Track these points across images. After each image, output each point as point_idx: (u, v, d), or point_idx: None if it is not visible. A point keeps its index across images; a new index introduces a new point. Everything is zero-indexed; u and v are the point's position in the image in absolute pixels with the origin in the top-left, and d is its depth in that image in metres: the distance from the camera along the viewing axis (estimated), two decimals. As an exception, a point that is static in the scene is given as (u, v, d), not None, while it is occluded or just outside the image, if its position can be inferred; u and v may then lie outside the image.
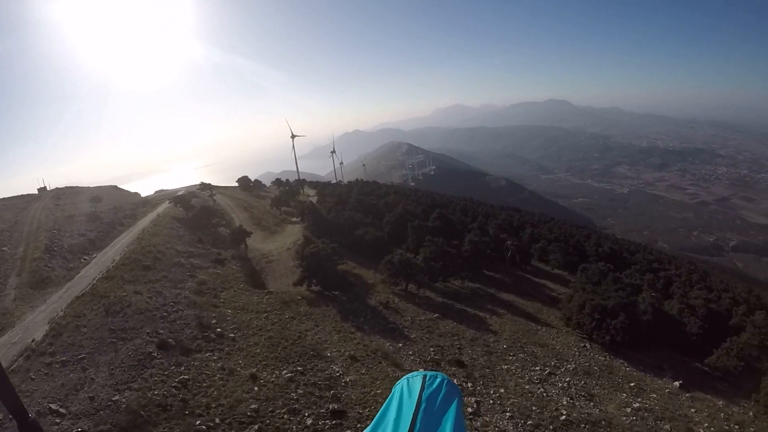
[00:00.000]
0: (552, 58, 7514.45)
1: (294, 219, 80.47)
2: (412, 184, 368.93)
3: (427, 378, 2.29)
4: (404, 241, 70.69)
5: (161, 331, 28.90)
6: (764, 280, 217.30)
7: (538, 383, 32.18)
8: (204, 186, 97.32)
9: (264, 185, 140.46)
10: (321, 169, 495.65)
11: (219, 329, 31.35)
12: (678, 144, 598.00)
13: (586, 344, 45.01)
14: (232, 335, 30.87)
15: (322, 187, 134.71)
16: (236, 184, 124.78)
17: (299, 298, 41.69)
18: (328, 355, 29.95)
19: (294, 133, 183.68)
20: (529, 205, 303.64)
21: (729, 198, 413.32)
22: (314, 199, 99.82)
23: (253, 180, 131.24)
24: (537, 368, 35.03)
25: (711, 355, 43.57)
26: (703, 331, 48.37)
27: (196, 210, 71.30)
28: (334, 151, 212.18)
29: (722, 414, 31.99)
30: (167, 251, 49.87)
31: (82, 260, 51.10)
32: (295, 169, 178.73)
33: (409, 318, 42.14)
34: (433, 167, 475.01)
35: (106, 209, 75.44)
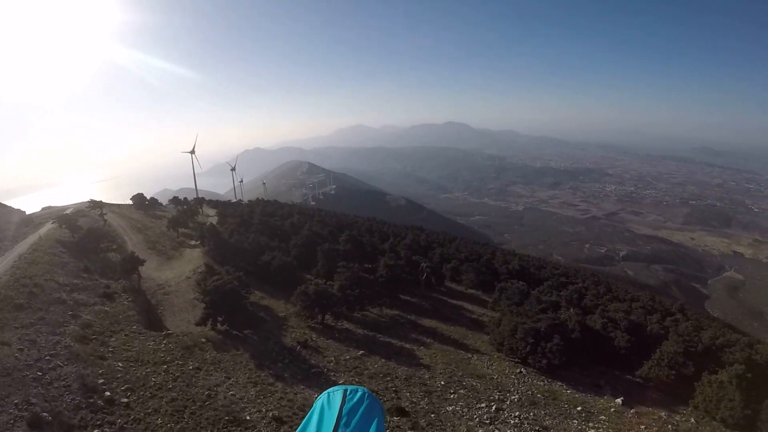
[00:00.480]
0: (451, 81, 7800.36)
1: (193, 242, 73.74)
2: (313, 203, 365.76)
3: (348, 392, 2.33)
4: (314, 266, 66.50)
5: (34, 401, 21.96)
6: (654, 285, 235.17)
7: (489, 423, 29.34)
8: (94, 204, 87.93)
9: (161, 204, 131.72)
10: (220, 187, 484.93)
11: (108, 392, 24.86)
12: (570, 164, 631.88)
13: (522, 369, 42.41)
14: (125, 400, 24.55)
15: (222, 206, 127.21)
16: (131, 202, 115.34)
17: (203, 341, 36.01)
18: (248, 418, 24.81)
19: (194, 149, 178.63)
20: (429, 223, 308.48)
21: (617, 212, 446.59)
22: (214, 220, 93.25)
23: (149, 198, 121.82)
24: (482, 405, 32.11)
25: (641, 366, 43.12)
26: (630, 344, 47.73)
27: (82, 232, 63.43)
28: (234, 168, 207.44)
29: (669, 426, 31.71)
30: (46, 284, 42.38)
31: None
32: (194, 187, 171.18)
33: (332, 358, 37.78)
34: (334, 186, 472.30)
35: None
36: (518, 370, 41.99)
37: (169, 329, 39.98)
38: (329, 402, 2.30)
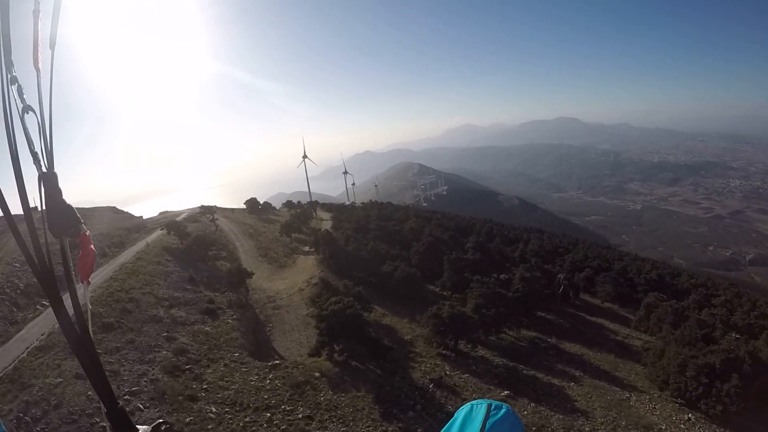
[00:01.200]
0: (561, 76, 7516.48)
1: (307, 248, 68.51)
2: (425, 204, 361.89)
3: (492, 407, 2.19)
4: (438, 275, 59.16)
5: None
6: None
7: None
8: (205, 209, 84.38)
9: (274, 208, 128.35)
10: (332, 190, 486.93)
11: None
12: (689, 158, 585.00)
13: (690, 415, 33.82)
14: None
15: (336, 210, 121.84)
16: (244, 206, 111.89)
17: (317, 375, 28.74)
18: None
19: (306, 154, 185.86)
20: (544, 224, 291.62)
21: (743, 211, 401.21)
22: (329, 224, 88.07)
23: (262, 202, 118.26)
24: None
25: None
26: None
27: (191, 239, 58.90)
28: (346, 172, 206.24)
29: None
30: (143, 298, 37.69)
31: (36, 308, 37.84)
32: (307, 190, 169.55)
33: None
34: (445, 187, 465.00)
35: (93, 235, 62.80)
36: (686, 417, 33.87)
37: (277, 353, 33.82)
38: (471, 415, 2.15)
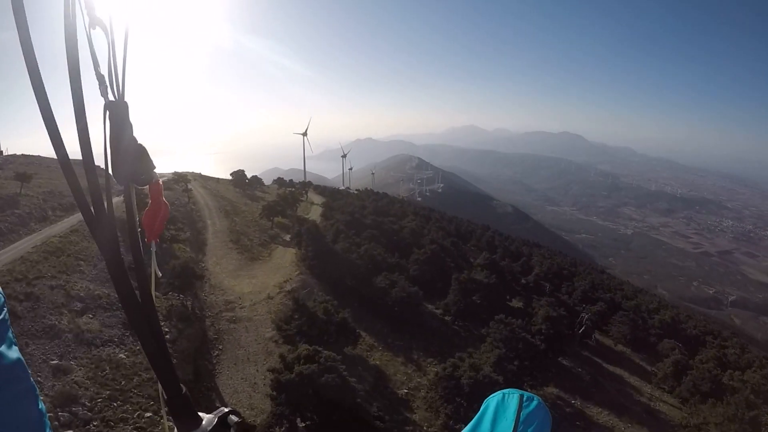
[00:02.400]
0: (571, 91, 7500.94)
1: (288, 237, 58.08)
2: (419, 199, 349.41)
3: (525, 398, 2.10)
4: (439, 292, 49.41)
5: None
6: (761, 340, 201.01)
7: None
8: (179, 176, 72.78)
9: (263, 183, 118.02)
10: (329, 172, 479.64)
11: None
12: (686, 191, 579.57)
13: None
14: None
15: (330, 194, 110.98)
16: (230, 178, 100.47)
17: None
18: None
19: (307, 132, 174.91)
20: (534, 235, 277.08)
21: (732, 252, 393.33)
22: (318, 212, 77.95)
23: (251, 176, 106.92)
24: None
25: None
26: None
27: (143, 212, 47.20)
28: (345, 155, 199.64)
29: None
30: (48, 295, 26.63)
31: None
32: (303, 169, 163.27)
33: None
34: (441, 185, 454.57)
35: (38, 193, 51.20)
36: None
37: (219, 397, 23.42)
38: (503, 404, 2.05)
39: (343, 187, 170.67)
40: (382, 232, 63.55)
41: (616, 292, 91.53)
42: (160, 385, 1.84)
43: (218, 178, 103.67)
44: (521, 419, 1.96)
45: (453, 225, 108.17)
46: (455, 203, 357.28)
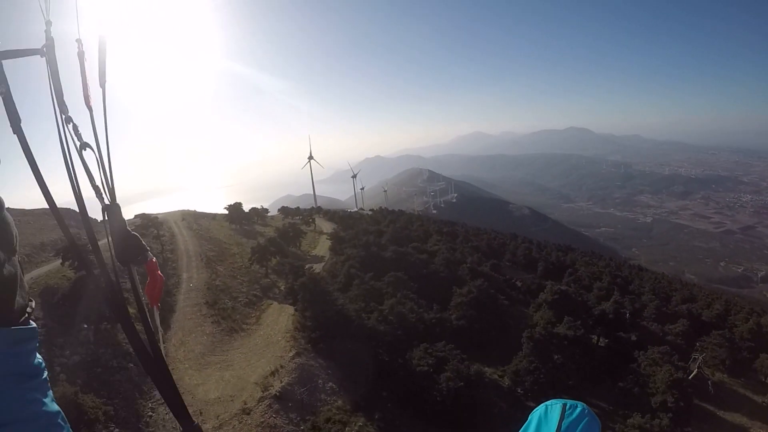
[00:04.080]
0: (572, 85, 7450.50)
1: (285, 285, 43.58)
2: (434, 211, 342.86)
3: (567, 406, 2.11)
4: (496, 346, 35.32)
5: None
6: None
7: None
8: (147, 220, 56.59)
9: (266, 213, 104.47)
10: (341, 194, 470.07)
11: None
12: (700, 171, 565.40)
13: None
14: None
15: (341, 220, 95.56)
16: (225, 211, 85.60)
17: None
18: None
19: (312, 155, 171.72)
20: (553, 235, 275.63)
21: (754, 226, 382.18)
22: (326, 245, 63.79)
23: (267, 204, 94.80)
24: None
25: None
26: None
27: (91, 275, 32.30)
28: (355, 176, 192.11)
29: None
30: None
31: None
32: (318, 193, 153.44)
33: None
34: (455, 195, 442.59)
35: None
36: None
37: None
38: (546, 415, 2.06)
39: (355, 209, 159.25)
40: (408, 266, 48.32)
41: (674, 292, 77.36)
42: (177, 421, 2.09)
43: (215, 215, 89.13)
44: (563, 428, 1.97)
45: (483, 240, 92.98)
46: (471, 212, 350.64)
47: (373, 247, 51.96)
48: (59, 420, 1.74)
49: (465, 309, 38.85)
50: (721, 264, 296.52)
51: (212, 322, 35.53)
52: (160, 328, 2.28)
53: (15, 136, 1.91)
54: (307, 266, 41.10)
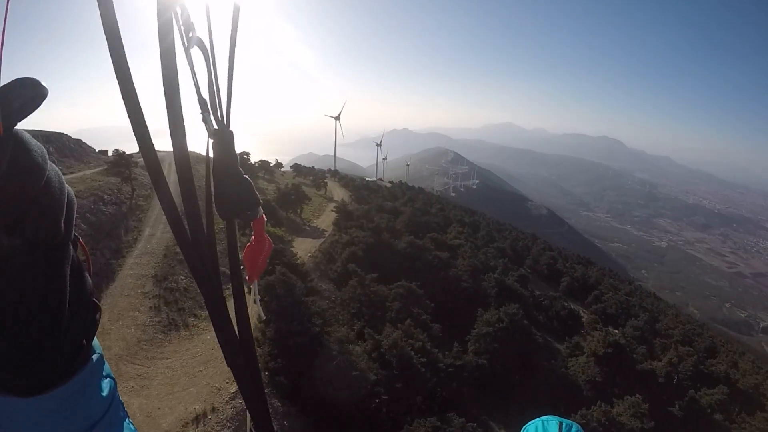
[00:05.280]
0: (613, 94, 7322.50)
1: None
2: (453, 194, 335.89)
3: (564, 425, 2.07)
4: (522, 393, 24.63)
5: None
6: None
7: None
8: (119, 158, 43.71)
9: (279, 167, 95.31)
10: (364, 161, 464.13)
11: None
12: (724, 207, 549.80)
13: None
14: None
15: (356, 189, 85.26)
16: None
17: None
18: None
19: (339, 116, 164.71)
20: (567, 240, 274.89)
21: (767, 275, 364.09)
22: (332, 216, 53.85)
23: (276, 160, 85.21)
24: None
25: None
26: None
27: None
28: (379, 145, 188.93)
29: None
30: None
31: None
32: (340, 155, 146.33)
33: None
34: (477, 181, 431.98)
35: None
36: None
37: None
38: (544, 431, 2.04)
39: (374, 179, 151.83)
40: (424, 267, 37.87)
41: (696, 337, 67.23)
42: (251, 422, 1.68)
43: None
44: None
45: (507, 240, 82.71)
46: (489, 201, 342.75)
47: (384, 233, 41.57)
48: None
49: (488, 342, 29.01)
50: (726, 305, 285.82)
51: (150, 308, 25.68)
52: (260, 311, 1.80)
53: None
54: (290, 252, 31.17)
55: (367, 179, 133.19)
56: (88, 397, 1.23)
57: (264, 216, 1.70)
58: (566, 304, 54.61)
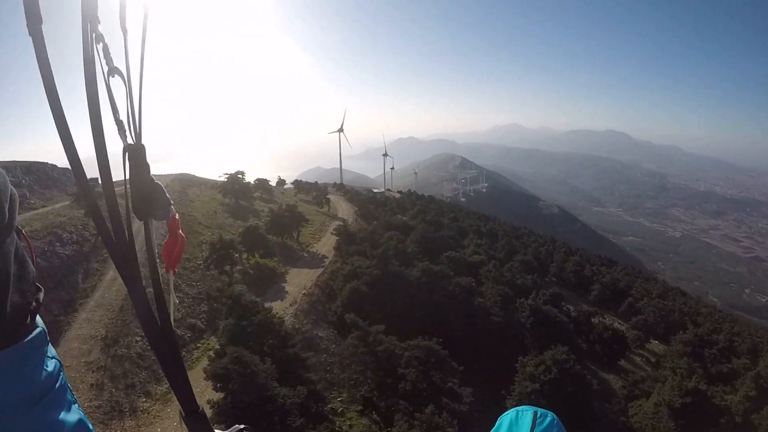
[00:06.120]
0: (615, 87, 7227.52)
1: (239, 288, 27.01)
2: (463, 199, 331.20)
3: (538, 414, 2.07)
4: None
5: None
6: None
7: None
8: (84, 190, 41.62)
9: (284, 183, 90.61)
10: (371, 172, 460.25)
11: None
12: (736, 192, 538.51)
13: None
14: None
15: (361, 203, 78.58)
16: (224, 178, 68.66)
17: None
18: None
19: (343, 127, 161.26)
20: (581, 238, 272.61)
21: None
22: (333, 240, 46.75)
23: (296, 175, 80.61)
24: None
25: None
26: None
27: None
28: (385, 154, 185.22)
29: None
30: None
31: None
32: (347, 167, 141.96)
33: None
34: (486, 184, 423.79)
35: None
36: None
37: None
38: (518, 421, 2.02)
39: (381, 190, 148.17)
40: (445, 299, 30.91)
41: (735, 337, 60.52)
42: (179, 403, 1.87)
43: (216, 181, 72.57)
44: None
45: (529, 249, 75.78)
46: (501, 203, 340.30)
47: (393, 261, 34.38)
48: (81, 430, 1.50)
49: (533, 398, 22.32)
50: (746, 291, 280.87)
51: (92, 385, 19.14)
52: (174, 296, 1.99)
53: (30, 37, 1.45)
54: (265, 308, 24.39)
55: (374, 191, 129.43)
56: (30, 369, 1.36)
57: (177, 215, 1.91)
58: (604, 320, 48.43)
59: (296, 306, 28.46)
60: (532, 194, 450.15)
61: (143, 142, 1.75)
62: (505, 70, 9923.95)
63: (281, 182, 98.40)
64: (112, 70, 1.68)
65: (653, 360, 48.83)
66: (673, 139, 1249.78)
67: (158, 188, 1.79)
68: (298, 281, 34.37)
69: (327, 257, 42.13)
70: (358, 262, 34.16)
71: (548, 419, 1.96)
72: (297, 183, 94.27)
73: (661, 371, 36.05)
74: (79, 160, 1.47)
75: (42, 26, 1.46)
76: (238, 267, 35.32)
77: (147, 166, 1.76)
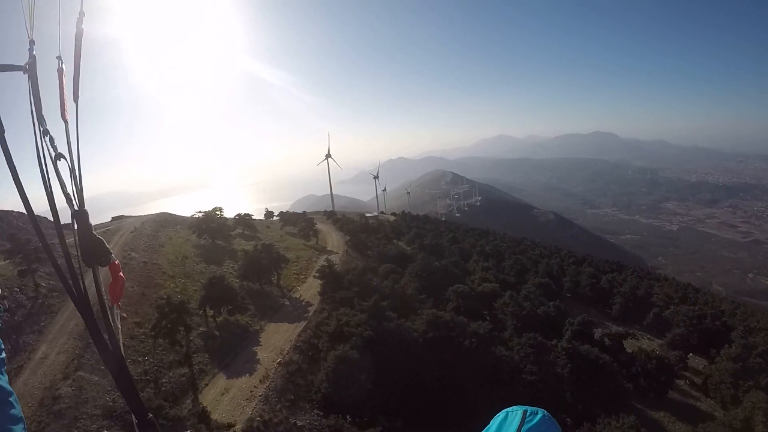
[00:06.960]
0: (598, 89, 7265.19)
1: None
2: (458, 215, 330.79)
3: (528, 413, 2.09)
4: None
5: None
6: None
7: None
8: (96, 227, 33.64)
9: (269, 216, 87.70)
10: (364, 195, 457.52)
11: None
12: (728, 179, 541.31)
13: None
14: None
15: (352, 232, 71.72)
16: (199, 214, 62.24)
17: None
18: None
19: (330, 153, 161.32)
20: (579, 241, 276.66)
21: None
22: (317, 285, 40.19)
23: (289, 205, 74.35)
24: None
25: None
26: None
27: None
28: (376, 177, 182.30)
29: None
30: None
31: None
32: (340, 193, 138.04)
33: None
34: (479, 198, 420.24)
35: None
36: None
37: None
38: (507, 422, 2.04)
39: (375, 213, 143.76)
40: (458, 360, 23.37)
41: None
42: (132, 413, 2.16)
43: (191, 217, 65.72)
44: (522, 431, 1.95)
45: (541, 265, 69.00)
46: (495, 215, 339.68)
47: (389, 312, 27.14)
48: (11, 399, 1.92)
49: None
50: (749, 275, 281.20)
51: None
52: (119, 326, 2.35)
53: None
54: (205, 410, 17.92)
55: (367, 215, 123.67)
56: None
57: (117, 261, 2.46)
58: (637, 341, 42.09)
59: (268, 383, 21.70)
60: (526, 203, 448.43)
61: (85, 207, 2.29)
62: (488, 83, 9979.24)
63: (269, 214, 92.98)
64: (58, 156, 2.27)
65: (698, 381, 42.76)
66: (660, 133, 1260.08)
67: (100, 242, 2.32)
68: (275, 342, 27.71)
69: (312, 304, 35.31)
70: (345, 314, 26.95)
71: (538, 417, 1.99)
72: (283, 215, 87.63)
73: (733, 411, 28.87)
74: (42, 230, 1.99)
75: (5, 135, 2.03)
76: (201, 329, 28.63)
77: (90, 226, 2.30)
